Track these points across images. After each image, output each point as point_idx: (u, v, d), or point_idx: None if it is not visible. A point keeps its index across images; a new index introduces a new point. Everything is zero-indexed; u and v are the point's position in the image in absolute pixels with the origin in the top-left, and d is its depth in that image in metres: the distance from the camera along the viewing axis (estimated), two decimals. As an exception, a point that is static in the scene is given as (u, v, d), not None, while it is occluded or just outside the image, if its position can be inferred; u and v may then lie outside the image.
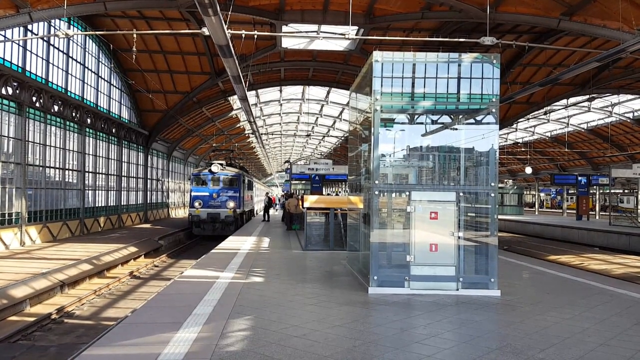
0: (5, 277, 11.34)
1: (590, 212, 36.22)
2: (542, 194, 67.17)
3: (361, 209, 9.87)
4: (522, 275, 10.87)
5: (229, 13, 13.45)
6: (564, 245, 25.01)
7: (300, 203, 20.05)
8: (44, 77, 19.34)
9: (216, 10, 10.23)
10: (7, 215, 16.74)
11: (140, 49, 23.55)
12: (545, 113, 35.62)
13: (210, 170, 26.20)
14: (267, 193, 37.28)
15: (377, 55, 8.38)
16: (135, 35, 15.54)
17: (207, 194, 25.76)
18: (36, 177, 18.85)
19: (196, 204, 25.39)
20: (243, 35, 14.15)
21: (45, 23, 18.92)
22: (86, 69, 23.56)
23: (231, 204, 25.66)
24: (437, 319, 6.65)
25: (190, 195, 26.46)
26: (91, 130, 23.80)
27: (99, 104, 25.08)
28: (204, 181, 26.20)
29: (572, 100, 31.03)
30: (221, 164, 26.96)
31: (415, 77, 8.98)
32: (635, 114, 34.30)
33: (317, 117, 43.16)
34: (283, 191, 49.64)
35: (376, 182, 8.31)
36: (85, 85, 23.50)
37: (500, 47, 15.12)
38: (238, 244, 15.99)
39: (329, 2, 17.99)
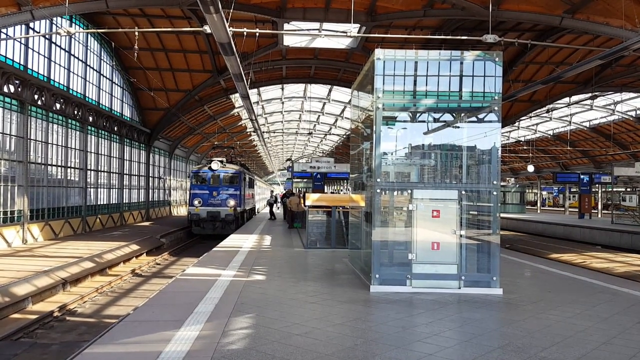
0: (8, 275, 11.37)
1: (592, 211, 36.12)
2: (544, 192, 67.01)
3: (363, 207, 9.85)
4: (524, 273, 10.85)
5: (231, 11, 13.42)
6: (566, 244, 24.97)
7: (302, 201, 20.04)
8: (46, 75, 19.35)
9: (218, 8, 10.22)
10: (9, 213, 16.77)
11: (142, 47, 23.55)
12: (547, 111, 35.51)
13: (210, 168, 25.64)
14: (272, 191, 37.15)
15: (379, 53, 8.34)
16: (137, 33, 15.57)
17: (207, 192, 25.22)
18: (38, 175, 18.87)
19: (196, 202, 24.84)
20: (245, 33, 14.15)
21: (47, 21, 18.93)
22: (88, 67, 23.58)
23: (232, 202, 25.16)
24: (438, 317, 6.64)
25: (190, 193, 25.99)
26: (93, 128, 23.81)
27: (101, 102, 25.10)
28: (204, 179, 25.65)
29: (575, 98, 30.96)
30: (221, 161, 26.38)
31: (417, 75, 8.94)
32: (638, 112, 34.18)
33: (319, 115, 43.11)
34: (285, 189, 49.59)
35: (378, 180, 8.27)
36: (87, 83, 23.51)
37: (502, 45, 15.05)
38: (240, 242, 15.98)
39: (330, -1, 17.99)
